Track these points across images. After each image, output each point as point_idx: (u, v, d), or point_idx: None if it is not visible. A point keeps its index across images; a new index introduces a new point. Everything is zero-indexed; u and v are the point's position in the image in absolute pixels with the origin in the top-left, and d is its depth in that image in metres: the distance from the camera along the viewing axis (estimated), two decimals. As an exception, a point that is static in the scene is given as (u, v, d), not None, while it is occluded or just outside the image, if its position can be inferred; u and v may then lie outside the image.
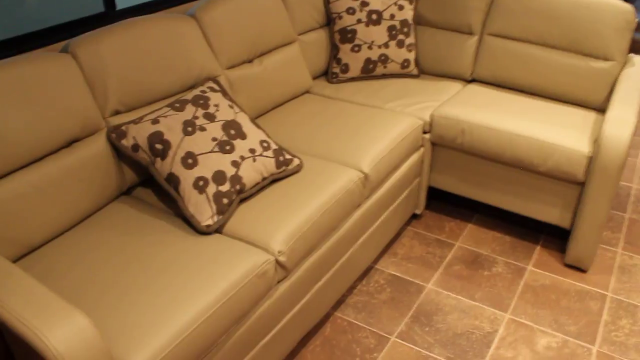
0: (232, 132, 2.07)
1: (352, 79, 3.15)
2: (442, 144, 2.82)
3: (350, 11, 3.07)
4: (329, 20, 3.15)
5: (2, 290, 1.41)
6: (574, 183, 2.58)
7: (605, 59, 2.83)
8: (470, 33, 3.17)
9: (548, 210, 2.70)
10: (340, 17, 3.08)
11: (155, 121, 2.02)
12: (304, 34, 3.04)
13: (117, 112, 2.12)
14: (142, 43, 2.18)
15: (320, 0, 3.10)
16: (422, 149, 2.83)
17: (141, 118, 2.06)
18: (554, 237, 2.92)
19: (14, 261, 1.82)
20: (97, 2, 2.37)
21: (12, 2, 2.31)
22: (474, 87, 3.10)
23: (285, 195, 2.09)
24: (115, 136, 2.03)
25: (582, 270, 2.69)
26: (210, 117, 2.07)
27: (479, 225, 3.00)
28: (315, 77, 3.16)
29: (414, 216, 3.06)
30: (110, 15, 2.40)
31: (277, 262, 1.89)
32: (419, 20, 3.28)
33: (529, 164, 2.61)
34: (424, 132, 2.82)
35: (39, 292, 1.41)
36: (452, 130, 2.74)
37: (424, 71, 3.29)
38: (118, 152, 2.09)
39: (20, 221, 1.81)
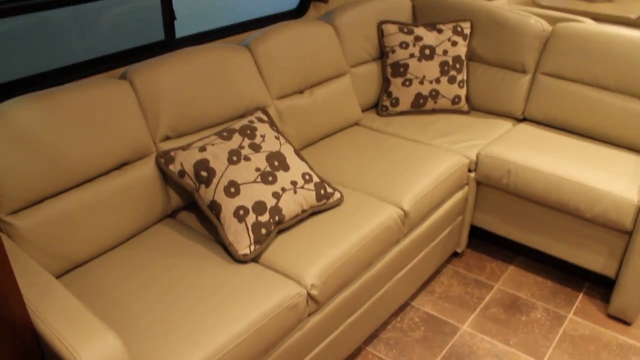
0: (276, 163, 2.12)
1: (402, 113, 3.17)
2: (487, 183, 2.80)
3: (404, 45, 3.10)
4: (382, 53, 3.19)
5: (43, 305, 1.49)
6: (621, 232, 2.52)
7: (663, 104, 2.77)
8: (524, 71, 3.15)
9: (593, 258, 2.64)
10: (393, 51, 3.11)
11: (202, 149, 2.09)
12: (356, 66, 3.09)
13: (167, 138, 2.21)
14: (197, 72, 2.27)
15: (374, 33, 3.14)
16: (466, 187, 2.82)
17: (189, 145, 2.14)
18: (598, 286, 2.85)
19: (58, 276, 1.91)
20: (159, 31, 2.48)
21: (81, 31, 2.44)
22: (524, 127, 3.07)
23: (323, 229, 2.13)
24: (163, 161, 2.12)
25: (626, 323, 2.61)
26: (256, 148, 2.13)
27: (521, 267, 2.96)
28: (365, 109, 3.20)
29: (455, 254, 3.05)
30: (169, 43, 2.50)
31: (309, 295, 1.92)
32: (471, 56, 3.28)
33: (575, 210, 2.56)
34: (470, 171, 2.81)
35: (76, 309, 1.48)
36: (498, 170, 2.72)
37: (474, 107, 3.28)
38: (165, 176, 2.18)
39: (67, 238, 1.90)
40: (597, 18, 4.09)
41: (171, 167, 2.10)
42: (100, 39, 2.57)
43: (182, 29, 2.57)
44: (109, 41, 2.61)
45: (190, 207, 2.31)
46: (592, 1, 4.34)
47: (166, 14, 2.45)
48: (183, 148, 2.13)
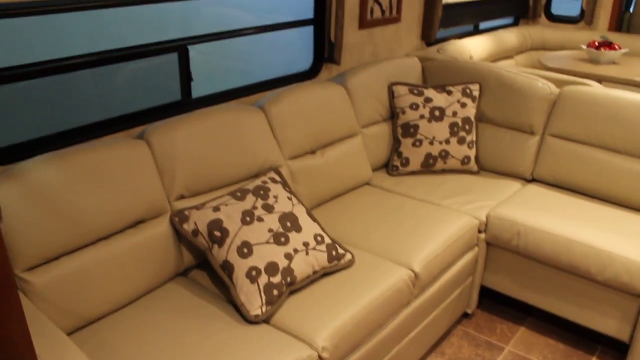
0: (288, 224, 2.15)
1: (412, 173, 3.21)
2: (497, 244, 2.81)
3: (414, 107, 3.17)
4: (393, 114, 3.25)
5: (56, 365, 1.50)
6: (634, 295, 2.50)
7: (671, 167, 2.80)
8: (532, 133, 3.20)
9: (605, 321, 2.62)
10: (404, 112, 3.17)
11: (216, 209, 2.12)
12: (367, 126, 3.15)
13: (181, 197, 2.25)
14: (212, 132, 2.32)
15: (385, 94, 3.21)
16: (476, 248, 2.83)
17: (203, 204, 2.17)
18: (612, 349, 2.81)
19: (70, 333, 1.92)
20: (176, 91, 2.55)
21: (99, 92, 2.52)
22: (533, 188, 3.09)
23: (334, 290, 2.13)
24: (178, 220, 2.15)
25: (639, 389, 2.57)
26: (269, 208, 2.16)
27: (532, 329, 2.93)
28: (375, 169, 3.24)
29: (465, 315, 3.03)
30: (186, 103, 2.57)
31: (320, 358, 1.91)
32: (480, 117, 3.34)
33: (586, 272, 2.56)
34: (480, 232, 2.82)
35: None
36: (507, 231, 2.74)
37: (483, 168, 3.32)
38: (179, 234, 2.20)
39: (81, 295, 1.92)
40: (603, 80, 4.16)
41: (185, 226, 2.13)
42: (117, 97, 2.64)
43: (197, 88, 2.63)
44: (126, 98, 2.68)
45: (202, 266, 2.32)
46: (597, 63, 4.41)
47: (183, 75, 2.53)
48: (197, 207, 2.16)
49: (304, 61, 3.20)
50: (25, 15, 1.98)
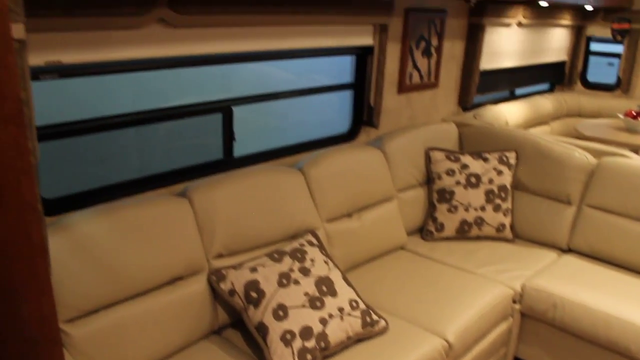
0: (324, 288, 2.16)
1: (447, 239, 3.20)
2: (532, 315, 2.76)
3: (450, 173, 3.18)
4: (429, 179, 3.27)
5: None
6: (675, 377, 2.43)
7: None
8: (569, 203, 3.18)
9: (644, 402, 2.54)
10: (440, 178, 3.19)
11: (253, 269, 2.14)
12: (403, 190, 3.17)
13: (219, 255, 2.28)
14: (252, 193, 2.37)
15: (421, 159, 3.24)
16: (510, 319, 2.78)
17: (241, 264, 2.19)
18: None
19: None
20: (218, 150, 2.62)
21: (142, 147, 2.59)
22: (569, 259, 3.06)
23: (367, 358, 2.12)
24: (215, 279, 2.17)
25: None
26: (305, 272, 2.17)
27: (568, 406, 2.84)
28: (410, 233, 3.24)
29: (498, 387, 2.96)
30: (227, 162, 2.63)
31: None
32: (516, 185, 3.33)
33: (625, 350, 2.49)
34: (514, 302, 2.78)
35: None
36: (543, 303, 2.69)
37: (519, 236, 3.29)
38: (215, 293, 2.22)
39: (117, 349, 1.94)
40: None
41: (222, 285, 2.15)
42: (160, 152, 2.71)
43: (238, 147, 2.69)
44: (168, 154, 2.75)
45: (236, 325, 2.33)
46: (635, 133, 4.40)
47: (226, 134, 2.60)
48: (235, 267, 2.18)
49: (340, 121, 3.26)
50: (84, 76, 2.08)
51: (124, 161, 2.65)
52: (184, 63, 2.34)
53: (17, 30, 1.42)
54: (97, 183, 2.28)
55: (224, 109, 2.55)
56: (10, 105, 1.18)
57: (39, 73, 1.90)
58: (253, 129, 3.27)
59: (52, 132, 2.04)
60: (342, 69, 3.17)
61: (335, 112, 3.33)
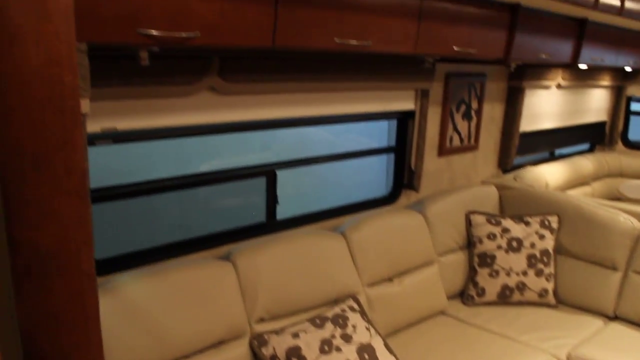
0: (366, 356, 2.14)
1: (488, 304, 3.14)
2: (579, 386, 2.68)
3: (491, 237, 3.16)
4: (469, 243, 3.24)
5: None
6: None
7: None
8: (614, 268, 3.11)
9: None
10: (481, 242, 3.17)
11: (295, 335, 2.14)
12: (443, 254, 3.14)
13: (261, 320, 2.28)
14: (295, 257, 2.39)
15: (462, 223, 3.23)
16: (557, 390, 2.70)
17: (283, 329, 2.19)
18: None
19: None
20: (261, 212, 2.65)
21: (187, 208, 2.65)
22: (616, 327, 2.97)
23: None
24: (257, 344, 2.17)
25: None
26: (347, 338, 2.16)
27: None
28: (450, 297, 3.19)
29: None
30: (270, 225, 2.66)
31: None
32: (559, 249, 3.27)
33: None
34: (560, 371, 2.70)
35: None
36: (591, 374, 2.61)
37: (562, 302, 3.21)
38: (257, 357, 2.22)
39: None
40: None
41: (264, 350, 2.15)
42: (204, 213, 2.76)
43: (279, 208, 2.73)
44: (212, 215, 2.79)
45: (276, 391, 2.31)
46: (679, 194, 4.31)
47: (270, 198, 2.64)
48: (277, 332, 2.18)
49: (378, 181, 3.28)
50: (136, 141, 2.16)
51: (167, 222, 2.70)
52: (229, 129, 2.41)
53: (85, 105, 1.51)
54: (141, 245, 2.33)
55: (268, 172, 2.60)
56: (76, 179, 1.24)
57: (94, 139, 1.98)
58: (292, 190, 3.30)
59: (98, 196, 2.10)
60: (379, 128, 3.22)
61: (373, 173, 3.36)
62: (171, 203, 2.65)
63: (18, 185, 1.16)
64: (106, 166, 2.25)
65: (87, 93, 1.52)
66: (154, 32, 1.58)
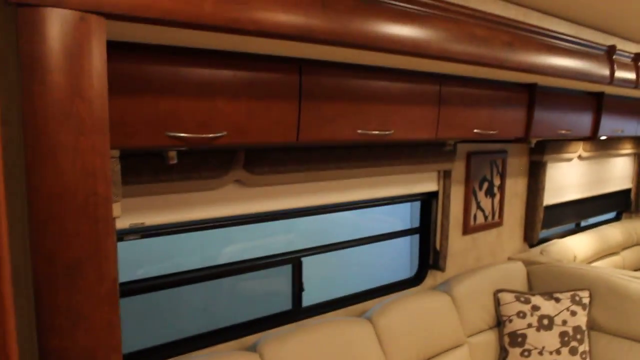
0: None
1: (522, 385, 3.05)
2: None
3: (521, 315, 3.09)
4: (499, 322, 3.18)
5: None
6: None
7: None
8: (651, 343, 3.02)
9: None
10: (511, 321, 3.10)
11: None
12: (473, 335, 3.08)
13: (292, 413, 2.24)
14: (322, 346, 2.35)
15: (490, 302, 3.17)
16: None
17: (313, 423, 2.14)
18: None
19: None
20: (287, 299, 2.64)
21: (214, 297, 2.65)
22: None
23: None
24: None
25: None
26: None
27: None
28: (482, 380, 3.12)
29: None
30: (296, 312, 2.64)
31: None
32: (592, 326, 3.19)
33: None
34: None
35: None
36: None
37: (601, 382, 3.11)
38: None
39: None
40: None
41: None
42: (228, 301, 2.75)
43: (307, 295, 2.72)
44: (237, 303, 2.78)
45: None
46: None
47: (296, 285, 2.64)
48: None
49: (403, 262, 3.25)
50: (163, 235, 2.19)
51: (192, 305, 2.69)
52: (255, 219, 2.44)
53: (116, 209, 1.55)
54: (165, 334, 2.32)
55: (293, 260, 2.60)
56: (107, 286, 1.26)
57: (123, 235, 2.02)
58: (317, 272, 3.29)
59: (122, 290, 2.11)
60: (403, 207, 3.22)
61: (398, 253, 3.34)
62: (196, 287, 2.66)
63: (50, 294, 1.18)
64: (129, 252, 2.27)
65: (118, 198, 1.56)
66: (183, 134, 1.63)
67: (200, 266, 2.36)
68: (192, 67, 1.64)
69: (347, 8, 1.61)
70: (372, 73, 2.15)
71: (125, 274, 2.19)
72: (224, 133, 1.73)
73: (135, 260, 2.38)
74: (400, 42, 1.77)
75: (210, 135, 1.68)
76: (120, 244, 1.99)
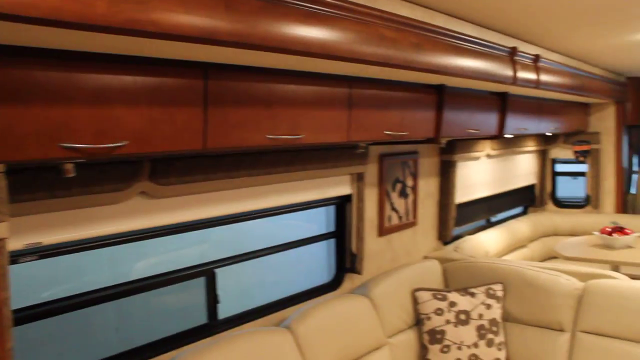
0: None
1: (442, 382, 3.09)
2: None
3: (439, 312, 3.13)
4: (418, 321, 3.20)
5: None
6: None
7: None
8: (561, 330, 3.15)
9: None
10: (429, 318, 3.13)
11: None
12: (393, 336, 3.08)
13: None
14: (239, 359, 2.27)
15: (409, 301, 3.19)
16: None
17: None
18: None
19: None
20: (201, 313, 2.54)
21: (122, 316, 2.51)
22: (570, 388, 2.96)
23: None
24: None
25: None
26: None
27: None
28: (404, 379, 3.13)
29: None
30: (212, 326, 2.54)
31: None
32: (507, 317, 3.28)
33: None
34: None
35: None
36: None
37: (516, 370, 3.20)
38: None
39: None
40: (621, 265, 4.17)
41: None
42: (140, 322, 2.62)
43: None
44: (150, 323, 2.65)
45: None
46: (612, 249, 4.44)
47: (210, 298, 2.54)
48: None
49: (321, 267, 3.22)
50: (63, 254, 2.04)
51: (104, 333, 2.54)
52: (164, 232, 2.32)
53: (3, 229, 1.41)
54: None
55: (207, 272, 2.50)
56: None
57: (18, 257, 1.86)
58: (233, 283, 3.20)
59: (22, 317, 1.93)
60: (318, 211, 3.18)
61: (316, 258, 3.30)
62: (107, 306, 2.51)
63: None
64: (30, 274, 2.11)
65: (5, 217, 1.42)
66: (78, 145, 1.51)
67: (111, 283, 2.22)
68: (86, 72, 1.52)
69: (252, 9, 1.55)
70: (281, 77, 2.09)
71: (28, 298, 2.02)
72: (125, 142, 1.62)
73: (42, 282, 2.22)
74: (308, 44, 1.72)
75: (109, 145, 1.57)
76: (17, 267, 1.83)
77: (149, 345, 2.33)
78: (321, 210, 3.19)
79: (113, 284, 2.22)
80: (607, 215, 5.33)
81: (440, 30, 2.33)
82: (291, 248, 2.95)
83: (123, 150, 1.63)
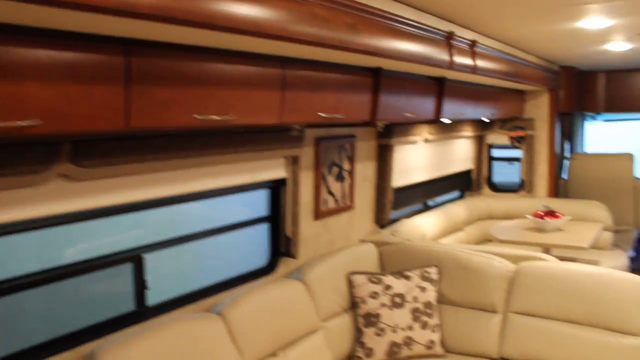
0: None
1: (378, 365, 3.10)
2: None
3: (374, 295, 3.14)
4: (353, 304, 3.20)
5: None
6: None
7: (633, 334, 2.82)
8: (494, 311, 3.21)
9: None
10: (364, 302, 3.13)
11: None
12: (328, 319, 3.07)
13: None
14: (169, 348, 2.20)
15: (344, 285, 3.18)
16: None
17: None
18: None
19: None
20: (129, 300, 2.44)
21: (46, 306, 2.40)
22: (503, 368, 3.03)
23: None
24: None
25: None
26: None
27: None
28: (340, 361, 3.12)
29: None
30: (140, 313, 2.45)
31: None
32: (441, 300, 3.32)
33: None
34: None
35: None
36: None
37: (450, 350, 3.24)
38: None
39: None
40: (552, 248, 4.29)
41: None
42: (65, 309, 2.50)
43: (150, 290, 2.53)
44: (75, 310, 2.54)
45: None
46: (544, 232, 4.56)
47: (138, 284, 2.44)
48: None
49: (253, 248, 3.18)
50: None
51: (31, 322, 2.42)
52: (90, 216, 2.22)
53: None
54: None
55: (134, 258, 2.41)
56: None
57: None
58: (167, 268, 3.11)
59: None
60: (256, 195, 3.12)
61: (253, 242, 3.24)
62: (34, 294, 2.39)
63: None
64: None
65: None
66: (-18, 123, 1.41)
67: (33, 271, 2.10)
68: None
69: (176, -20, 1.47)
70: (211, 55, 2.02)
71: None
72: (39, 121, 1.52)
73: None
74: (236, 20, 1.65)
75: (20, 123, 1.47)
76: None
77: (69, 335, 2.21)
78: (261, 195, 3.12)
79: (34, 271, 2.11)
80: (540, 199, 5.48)
81: (376, 12, 2.29)
82: (225, 232, 2.88)
83: (37, 129, 1.53)
